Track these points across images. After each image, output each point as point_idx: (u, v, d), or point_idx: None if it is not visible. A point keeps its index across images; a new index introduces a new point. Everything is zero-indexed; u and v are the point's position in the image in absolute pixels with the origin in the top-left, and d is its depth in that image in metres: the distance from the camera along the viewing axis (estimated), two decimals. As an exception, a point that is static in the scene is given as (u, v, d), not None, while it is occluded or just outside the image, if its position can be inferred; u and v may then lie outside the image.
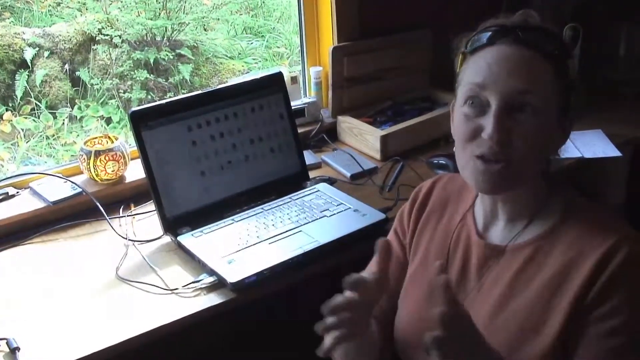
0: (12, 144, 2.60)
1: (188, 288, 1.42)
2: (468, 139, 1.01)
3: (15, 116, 2.64)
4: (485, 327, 1.03)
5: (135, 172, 1.79)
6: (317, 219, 1.63)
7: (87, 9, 2.93)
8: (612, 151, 2.00)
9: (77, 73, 2.77)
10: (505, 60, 0.99)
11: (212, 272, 1.44)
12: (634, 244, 0.98)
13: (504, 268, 1.07)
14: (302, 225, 1.60)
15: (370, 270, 1.27)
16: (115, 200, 1.77)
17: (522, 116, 0.98)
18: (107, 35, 2.79)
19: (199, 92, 1.71)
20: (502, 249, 1.08)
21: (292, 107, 1.83)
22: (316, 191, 1.75)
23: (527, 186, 1.06)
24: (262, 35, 3.29)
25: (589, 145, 2.03)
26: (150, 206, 1.69)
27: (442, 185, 1.24)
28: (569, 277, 0.99)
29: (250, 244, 1.53)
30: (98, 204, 1.69)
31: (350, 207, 1.67)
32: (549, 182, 1.08)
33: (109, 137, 1.82)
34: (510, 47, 0.99)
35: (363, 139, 2.04)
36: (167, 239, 1.61)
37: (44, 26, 2.88)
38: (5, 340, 1.28)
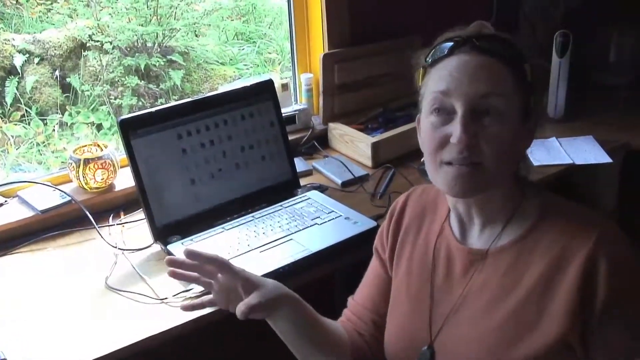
0: (1, 151, 2.58)
1: (178, 297, 1.41)
2: (437, 148, 1.03)
3: (5, 123, 2.62)
4: (478, 330, 1.06)
5: (124, 180, 1.78)
6: (308, 226, 1.62)
7: (77, 15, 2.91)
8: (603, 157, 2.00)
9: (68, 79, 2.75)
10: (466, 67, 1.02)
11: (202, 282, 1.43)
12: (612, 238, 1.01)
13: (489, 272, 1.08)
14: (293, 233, 1.60)
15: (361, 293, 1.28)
16: (104, 208, 1.77)
17: (487, 120, 1.00)
18: (98, 41, 2.78)
19: (189, 99, 1.70)
20: (485, 253, 1.09)
21: (283, 114, 1.82)
22: (307, 199, 1.74)
23: (500, 189, 1.07)
24: (254, 41, 3.28)
25: (580, 151, 2.03)
26: (140, 215, 1.68)
27: (415, 198, 1.25)
28: (558, 276, 1.01)
29: (241, 253, 1.53)
30: (87, 212, 1.68)
31: (341, 215, 1.66)
32: (521, 185, 1.11)
33: (98, 145, 1.81)
34: (468, 55, 1.02)
35: (354, 146, 2.04)
36: (157, 247, 1.60)
37: (34, 32, 2.86)
38: (-8, 352, 1.27)
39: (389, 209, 1.28)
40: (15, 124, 2.64)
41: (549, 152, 2.03)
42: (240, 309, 1.10)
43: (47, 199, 1.72)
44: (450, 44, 1.04)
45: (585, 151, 2.03)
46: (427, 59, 1.07)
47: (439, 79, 1.03)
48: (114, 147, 1.82)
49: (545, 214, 1.07)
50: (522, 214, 1.08)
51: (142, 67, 2.82)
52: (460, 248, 1.12)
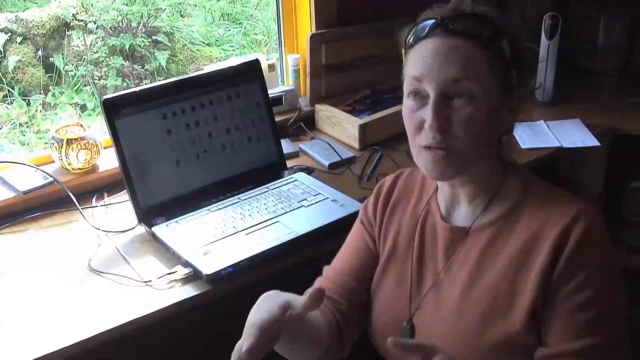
0: (-17, 132, 2.55)
1: (162, 280, 1.40)
2: (415, 131, 1.05)
3: (-12, 103, 2.58)
4: (457, 307, 1.07)
5: (108, 161, 1.75)
6: (295, 209, 1.61)
7: (61, -6, 2.87)
8: (590, 140, 2.00)
9: (51, 59, 2.72)
10: (437, 51, 1.01)
11: (187, 264, 1.42)
12: (591, 217, 1.02)
13: (469, 249, 1.10)
14: (279, 215, 1.58)
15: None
16: (87, 189, 1.74)
17: (459, 103, 1.01)
18: (82, 20, 2.74)
19: (174, 79, 1.68)
20: (467, 230, 1.11)
21: (270, 95, 1.80)
22: (294, 181, 1.73)
23: (481, 167, 1.08)
24: (240, 22, 3.25)
25: (567, 134, 2.03)
26: (124, 196, 1.66)
27: (404, 178, 1.26)
28: (533, 252, 1.03)
29: (227, 235, 1.51)
30: (70, 193, 1.66)
31: (328, 197, 1.65)
32: (503, 163, 1.12)
33: (81, 125, 1.78)
34: (441, 39, 1.02)
35: (341, 127, 2.02)
36: (142, 229, 1.58)
37: (17, 11, 2.81)
38: (-28, 335, 1.25)
39: (376, 186, 1.28)
40: (-2, 104, 2.61)
41: (537, 135, 2.02)
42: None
43: (29, 179, 1.69)
44: (428, 24, 1.03)
45: (573, 134, 2.03)
46: (408, 40, 1.07)
47: (414, 62, 1.04)
48: (99, 129, 1.79)
49: (526, 194, 1.09)
50: (505, 192, 1.10)
51: (127, 47, 2.79)
52: (443, 226, 1.14)
